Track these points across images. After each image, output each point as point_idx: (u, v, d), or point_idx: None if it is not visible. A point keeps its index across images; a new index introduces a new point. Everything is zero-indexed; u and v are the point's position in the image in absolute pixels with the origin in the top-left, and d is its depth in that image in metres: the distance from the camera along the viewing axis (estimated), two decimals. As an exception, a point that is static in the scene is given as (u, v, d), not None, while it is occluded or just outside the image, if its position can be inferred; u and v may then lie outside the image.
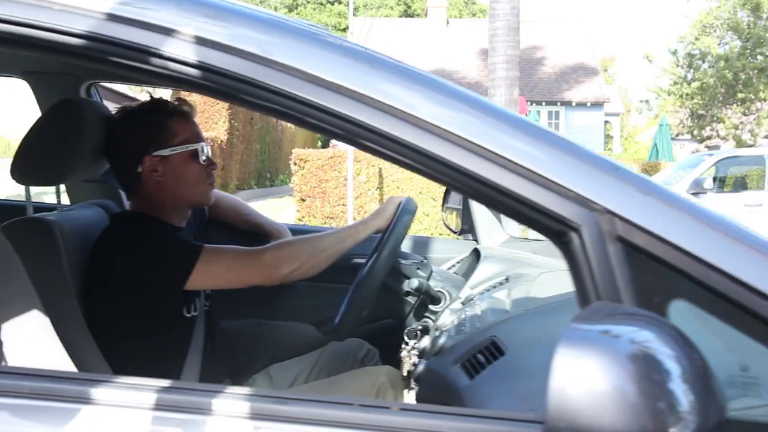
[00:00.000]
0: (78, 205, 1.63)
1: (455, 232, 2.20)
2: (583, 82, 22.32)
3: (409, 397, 1.58)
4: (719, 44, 20.86)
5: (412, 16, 35.88)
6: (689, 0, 25.98)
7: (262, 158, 17.04)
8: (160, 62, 0.76)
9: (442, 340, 1.36)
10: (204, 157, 1.51)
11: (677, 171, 9.78)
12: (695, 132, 22.03)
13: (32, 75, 1.88)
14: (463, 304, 1.55)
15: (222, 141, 12.89)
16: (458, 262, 1.95)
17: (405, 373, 1.60)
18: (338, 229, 1.60)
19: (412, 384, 1.49)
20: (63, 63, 1.79)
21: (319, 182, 9.43)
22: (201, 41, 0.76)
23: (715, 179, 9.39)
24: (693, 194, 8.44)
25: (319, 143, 19.96)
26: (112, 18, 0.76)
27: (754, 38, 19.73)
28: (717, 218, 0.75)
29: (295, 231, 1.88)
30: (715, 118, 21.15)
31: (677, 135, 23.12)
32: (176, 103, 1.52)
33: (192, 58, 0.75)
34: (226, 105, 13.06)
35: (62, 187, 1.61)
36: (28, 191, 1.49)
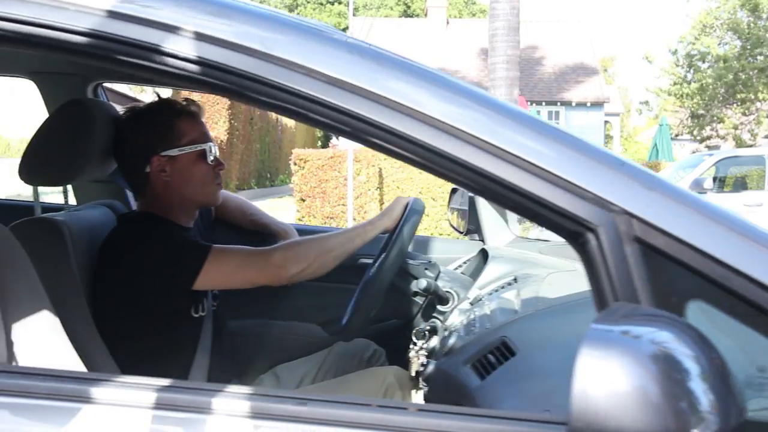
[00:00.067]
0: (86, 206, 1.63)
1: (461, 233, 2.20)
2: (583, 82, 22.32)
3: (418, 397, 1.58)
4: (719, 44, 20.87)
5: (411, 16, 35.88)
6: (689, 0, 26.01)
7: (262, 158, 17.04)
8: (164, 60, 0.76)
9: (451, 341, 1.36)
10: (212, 158, 1.51)
11: (677, 171, 9.78)
12: (695, 132, 22.04)
13: (39, 75, 1.88)
14: (471, 304, 1.55)
15: (222, 141, 12.90)
16: (465, 263, 1.95)
17: (413, 374, 1.59)
18: (346, 229, 1.60)
19: (421, 384, 1.49)
20: (70, 63, 1.79)
21: (319, 182, 9.42)
22: (205, 38, 0.76)
23: (715, 179, 9.39)
24: (693, 194, 8.43)
25: (319, 143, 19.96)
26: (115, 15, 0.76)
27: (753, 38, 19.74)
28: (734, 219, 0.75)
29: (301, 231, 1.88)
30: (715, 118, 21.15)
31: (677, 135, 23.14)
32: (184, 103, 1.52)
33: (196, 55, 0.75)
34: (226, 105, 13.06)
35: (68, 186, 1.61)
36: (36, 191, 1.49)
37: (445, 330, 1.55)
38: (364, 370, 1.73)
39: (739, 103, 20.61)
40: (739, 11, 20.33)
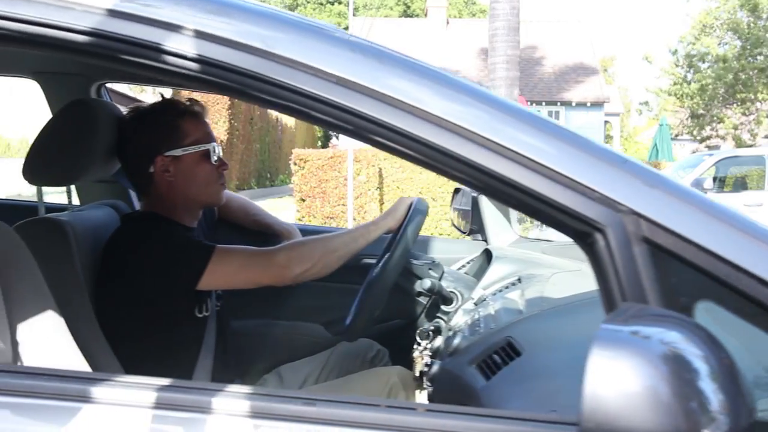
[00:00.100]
0: (89, 206, 1.63)
1: (464, 233, 2.20)
2: (583, 82, 22.31)
3: (422, 397, 1.58)
4: (719, 44, 20.88)
5: (411, 16, 35.88)
6: (689, 0, 26.01)
7: (262, 158, 17.04)
8: (166, 58, 0.76)
9: (455, 341, 1.36)
10: (215, 158, 1.51)
11: (677, 171, 9.79)
12: (695, 132, 22.05)
13: (43, 75, 1.88)
14: (475, 304, 1.55)
15: (222, 141, 12.90)
16: (468, 263, 1.95)
17: (417, 374, 1.59)
18: (349, 229, 1.60)
19: (425, 384, 1.49)
20: (74, 63, 1.79)
21: (319, 182, 9.42)
22: (206, 37, 0.76)
23: (715, 179, 9.40)
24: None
25: (319, 143, 19.94)
26: (116, 14, 0.76)
27: (753, 38, 19.75)
28: (742, 219, 0.75)
29: (304, 231, 1.88)
30: (714, 118, 21.16)
31: (677, 135, 23.14)
32: (188, 103, 1.52)
33: (198, 53, 0.75)
34: (226, 105, 13.06)
35: (72, 186, 1.61)
36: (40, 191, 1.49)
37: (450, 330, 1.55)
38: (367, 370, 1.73)
39: (739, 103, 20.63)
40: (739, 11, 20.35)
